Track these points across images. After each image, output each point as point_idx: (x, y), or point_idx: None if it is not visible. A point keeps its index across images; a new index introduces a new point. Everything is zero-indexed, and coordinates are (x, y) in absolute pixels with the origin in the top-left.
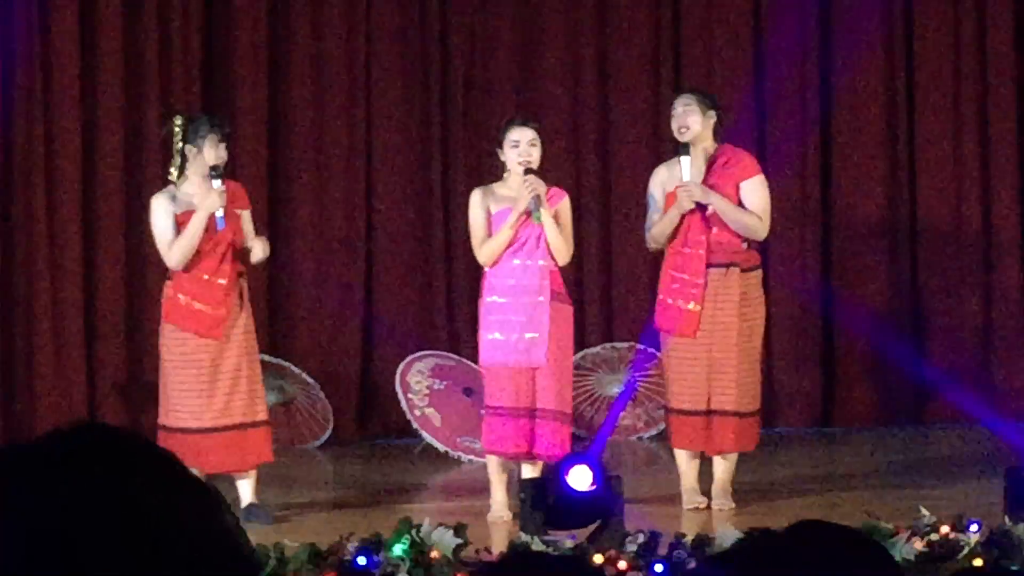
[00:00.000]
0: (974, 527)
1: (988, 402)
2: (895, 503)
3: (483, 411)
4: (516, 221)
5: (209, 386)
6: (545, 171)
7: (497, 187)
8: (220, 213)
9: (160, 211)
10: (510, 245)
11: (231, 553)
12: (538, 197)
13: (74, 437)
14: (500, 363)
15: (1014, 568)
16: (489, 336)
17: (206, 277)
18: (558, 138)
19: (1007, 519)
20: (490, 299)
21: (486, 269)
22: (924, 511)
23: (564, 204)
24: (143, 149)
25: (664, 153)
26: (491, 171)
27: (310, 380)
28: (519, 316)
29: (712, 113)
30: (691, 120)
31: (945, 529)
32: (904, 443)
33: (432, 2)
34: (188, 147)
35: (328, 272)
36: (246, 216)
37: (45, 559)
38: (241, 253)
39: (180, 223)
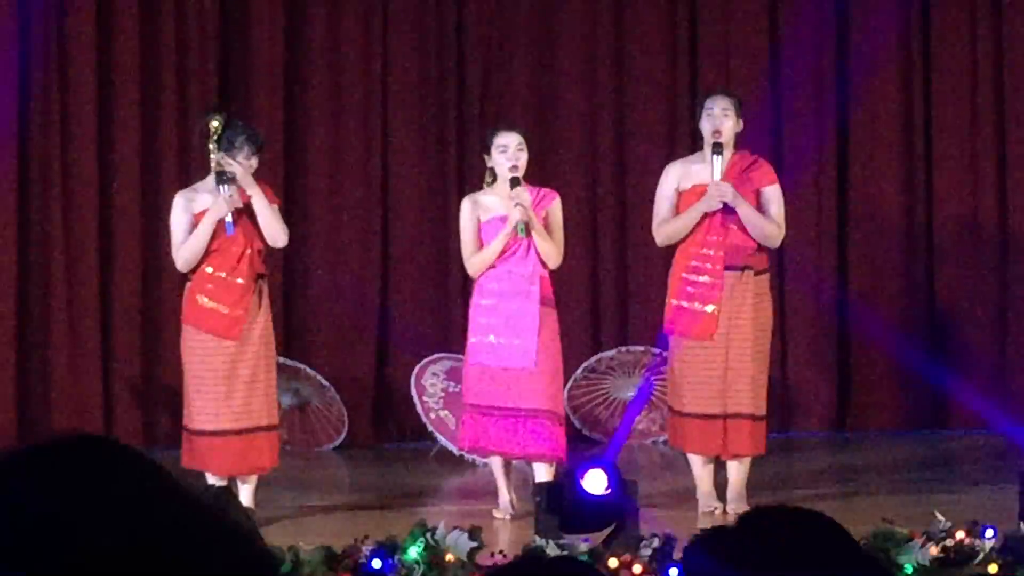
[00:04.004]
0: (989, 533)
1: (1004, 407)
2: (910, 508)
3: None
4: (507, 237)
5: (226, 388)
6: (560, 175)
7: (484, 195)
8: (229, 218)
9: (177, 209)
10: (501, 254)
11: (225, 556)
12: (524, 211)
13: (60, 447)
14: (481, 363)
15: None
16: (476, 338)
17: (223, 276)
18: (574, 144)
19: (1022, 525)
20: (482, 302)
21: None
22: (939, 516)
23: (555, 205)
24: (160, 153)
25: (680, 157)
26: None
27: (325, 383)
28: (507, 320)
29: (741, 122)
30: (727, 125)
31: (960, 534)
32: (919, 448)
33: (448, 9)
34: (222, 153)
35: (343, 275)
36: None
37: (30, 562)
38: (262, 255)
39: (197, 222)
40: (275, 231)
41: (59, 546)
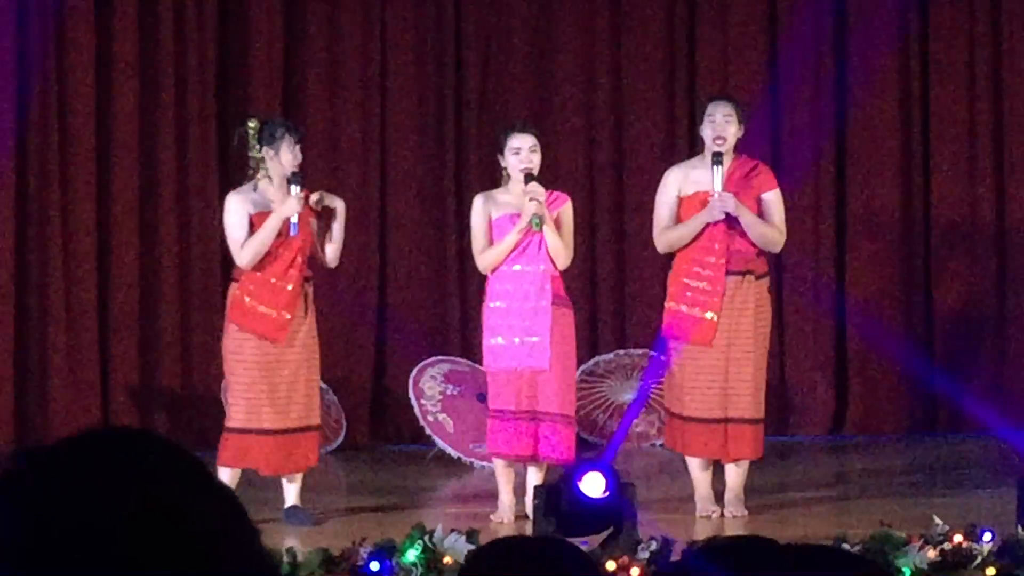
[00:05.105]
0: (987, 536)
1: (1002, 411)
2: (908, 511)
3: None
4: (520, 232)
5: (269, 388)
6: (559, 177)
7: (499, 193)
8: (295, 219)
9: (233, 209)
10: (512, 251)
11: (255, 556)
12: (540, 205)
13: (102, 439)
14: (503, 367)
15: None
16: (492, 341)
17: (273, 280)
18: (572, 145)
19: (1020, 528)
20: (493, 304)
21: (487, 275)
22: (937, 520)
23: (566, 208)
24: (158, 154)
25: (678, 160)
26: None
27: (323, 385)
28: (521, 321)
29: (743, 127)
30: (730, 131)
31: (958, 538)
32: (917, 451)
33: (447, 8)
34: (266, 149)
35: (341, 277)
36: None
37: (66, 557)
38: (310, 259)
39: (255, 224)
40: (339, 253)
41: (67, 546)
